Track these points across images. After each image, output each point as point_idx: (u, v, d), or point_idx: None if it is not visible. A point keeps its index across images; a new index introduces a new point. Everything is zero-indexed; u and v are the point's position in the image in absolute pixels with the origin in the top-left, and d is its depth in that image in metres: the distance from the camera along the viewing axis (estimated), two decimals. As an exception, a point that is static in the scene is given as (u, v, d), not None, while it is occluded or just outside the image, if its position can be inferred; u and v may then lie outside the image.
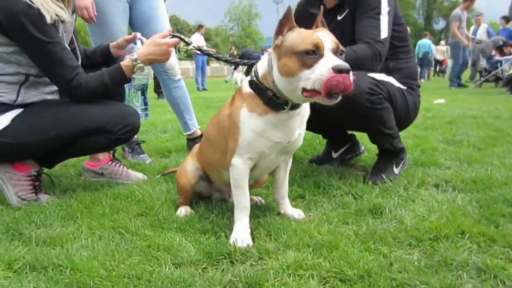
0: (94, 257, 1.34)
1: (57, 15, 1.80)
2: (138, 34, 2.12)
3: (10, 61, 1.81)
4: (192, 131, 3.05)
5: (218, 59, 2.18)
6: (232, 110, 1.51)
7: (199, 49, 2.10)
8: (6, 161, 1.94)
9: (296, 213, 1.70)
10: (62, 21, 1.88)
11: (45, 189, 2.07)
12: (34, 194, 1.97)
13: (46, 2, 1.77)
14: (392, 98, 2.01)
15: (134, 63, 1.90)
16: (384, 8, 1.98)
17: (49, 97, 1.98)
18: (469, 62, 10.91)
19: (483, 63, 10.46)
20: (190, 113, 3.05)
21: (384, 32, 1.96)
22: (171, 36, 1.97)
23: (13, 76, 1.83)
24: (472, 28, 11.69)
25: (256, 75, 1.47)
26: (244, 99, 1.49)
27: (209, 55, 2.18)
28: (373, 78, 1.93)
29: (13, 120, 1.84)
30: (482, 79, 10.31)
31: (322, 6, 1.54)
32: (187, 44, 2.04)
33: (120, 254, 1.36)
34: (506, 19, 11.18)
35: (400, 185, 2.00)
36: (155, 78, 9.12)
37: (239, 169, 1.51)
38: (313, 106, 1.64)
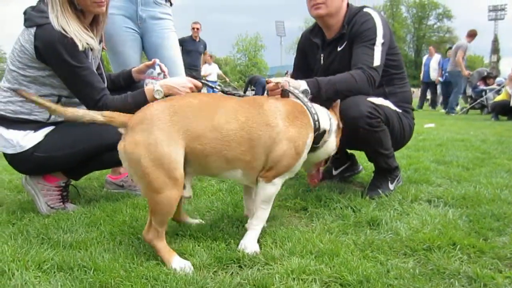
0: (115, 259, 1.34)
1: (87, 43, 1.85)
2: (157, 60, 2.16)
3: (45, 83, 1.85)
4: None
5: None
6: (296, 137, 1.46)
7: (222, 90, 2.10)
8: (38, 173, 1.96)
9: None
10: (92, 49, 1.93)
11: (71, 199, 2.08)
12: (61, 203, 1.98)
13: (79, 32, 1.81)
14: (389, 121, 2.02)
15: (155, 88, 1.89)
16: (379, 40, 2.00)
17: (78, 115, 2.01)
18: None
19: (469, 91, 10.48)
20: None
21: (377, 61, 1.98)
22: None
23: (47, 97, 1.87)
24: (425, 58, 11.69)
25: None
26: (308, 127, 1.52)
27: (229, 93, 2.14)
28: (372, 102, 1.94)
29: (46, 136, 1.87)
30: (468, 106, 10.30)
31: None
32: (212, 88, 2.08)
33: (139, 258, 1.36)
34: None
35: (395, 200, 1.99)
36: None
37: (277, 188, 1.50)
38: None
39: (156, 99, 1.91)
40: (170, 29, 2.75)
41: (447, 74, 10.60)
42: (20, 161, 1.88)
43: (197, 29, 8.38)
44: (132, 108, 1.94)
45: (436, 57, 11.28)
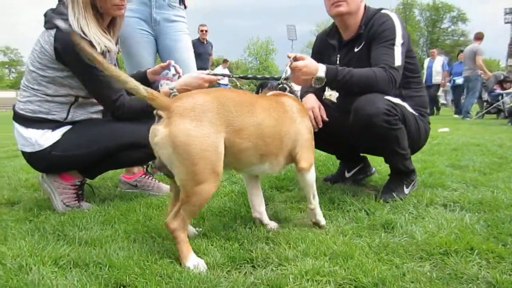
0: (130, 257, 1.35)
1: (105, 46, 1.87)
2: (172, 62, 2.18)
3: (63, 84, 1.89)
4: None
5: (252, 78, 2.16)
6: (310, 125, 1.72)
7: (241, 76, 2.11)
8: (55, 172, 1.99)
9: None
10: (109, 51, 1.95)
11: (86, 198, 2.11)
12: (77, 202, 2.00)
13: (97, 35, 1.84)
14: (406, 121, 2.00)
15: (171, 91, 1.92)
16: (398, 40, 1.98)
17: (94, 116, 2.04)
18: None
19: (485, 96, 10.31)
20: None
21: (398, 60, 1.96)
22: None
23: (65, 97, 1.90)
24: (427, 60, 11.50)
25: None
26: (307, 116, 1.72)
27: (246, 78, 2.18)
28: (390, 100, 1.92)
29: (63, 135, 1.90)
30: (484, 110, 10.13)
31: None
32: (229, 76, 2.07)
33: (153, 256, 1.37)
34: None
35: (410, 203, 1.96)
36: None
37: (315, 172, 1.68)
38: (331, 127, 1.65)
39: None
40: (183, 31, 2.77)
41: (455, 78, 10.48)
42: (38, 160, 1.92)
43: (205, 31, 8.44)
44: (148, 109, 1.95)
45: (439, 60, 11.11)
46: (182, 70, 2.17)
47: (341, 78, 1.88)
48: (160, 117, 1.34)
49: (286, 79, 1.88)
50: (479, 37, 9.34)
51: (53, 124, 1.90)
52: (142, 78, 2.27)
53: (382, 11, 2.09)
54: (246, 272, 1.27)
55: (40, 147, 1.87)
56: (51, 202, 1.99)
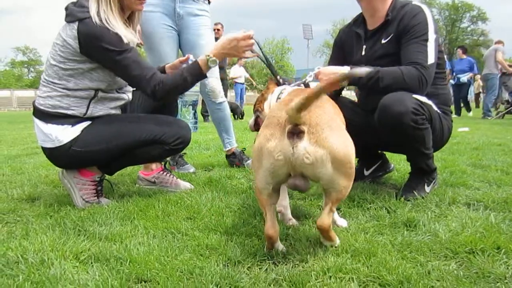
0: (150, 252, 1.36)
1: (127, 40, 1.88)
2: (191, 56, 2.18)
3: (84, 77, 1.90)
4: (227, 149, 3.04)
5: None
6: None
7: (266, 59, 2.04)
8: (75, 168, 2.02)
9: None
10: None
11: (105, 194, 2.13)
12: (96, 198, 2.03)
13: (121, 29, 1.86)
14: (432, 120, 1.95)
15: (208, 58, 1.90)
16: (431, 35, 1.92)
17: (113, 111, 2.05)
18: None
19: (505, 95, 10.08)
20: (229, 133, 3.03)
21: (431, 58, 1.90)
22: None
23: (84, 91, 1.92)
24: (456, 61, 11.33)
25: None
26: None
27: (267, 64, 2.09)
28: (417, 99, 1.87)
29: (83, 130, 1.93)
30: (505, 110, 9.89)
31: None
32: (259, 48, 2.02)
33: (173, 251, 1.37)
34: (464, 49, 10.82)
35: (432, 202, 1.92)
36: (203, 102, 9.38)
37: None
38: (353, 126, 1.62)
39: (209, 68, 1.93)
40: (206, 26, 2.77)
41: (459, 75, 10.35)
42: (58, 155, 1.95)
43: (218, 30, 8.47)
44: (188, 83, 1.95)
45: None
46: None
47: (366, 77, 1.87)
48: (296, 133, 1.24)
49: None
50: (499, 41, 9.58)
51: (73, 120, 1.92)
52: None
53: (414, 2, 2.03)
54: (267, 269, 1.26)
55: (60, 142, 1.90)
56: (71, 198, 2.01)
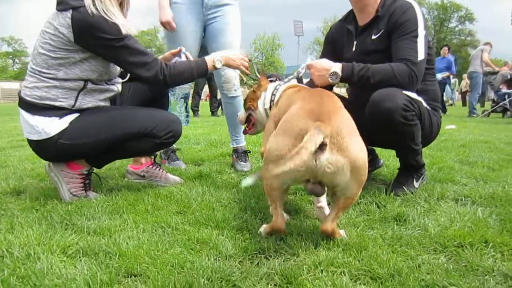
0: (139, 246, 1.34)
1: (126, 29, 1.85)
2: (183, 48, 2.17)
3: (74, 66, 1.85)
4: (232, 146, 2.95)
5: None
6: None
7: (253, 78, 2.20)
8: (62, 161, 1.98)
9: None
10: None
11: (93, 188, 2.09)
12: (84, 191, 1.99)
13: (119, 19, 1.83)
14: (421, 116, 1.96)
15: (215, 59, 2.08)
16: (421, 31, 1.93)
17: (102, 103, 2.01)
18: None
19: (491, 94, 10.26)
20: (236, 129, 2.92)
21: (421, 54, 1.91)
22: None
23: (74, 82, 1.86)
24: (437, 59, 11.52)
25: None
26: None
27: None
28: (407, 95, 1.88)
29: (71, 123, 1.88)
30: (491, 109, 10.07)
31: None
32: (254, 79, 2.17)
33: (163, 245, 1.36)
34: (448, 47, 10.99)
35: (421, 197, 1.94)
36: (193, 97, 9.27)
37: None
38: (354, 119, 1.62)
39: (215, 68, 2.11)
40: (233, 14, 2.70)
41: (438, 74, 10.57)
42: (45, 148, 1.90)
43: None
44: (193, 73, 2.05)
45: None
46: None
47: (357, 75, 1.88)
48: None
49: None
50: (487, 43, 9.89)
51: (61, 112, 1.88)
52: None
53: None
54: (258, 263, 1.25)
55: (47, 135, 1.85)
56: (58, 191, 1.97)
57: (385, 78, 1.87)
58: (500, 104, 9.50)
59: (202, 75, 2.14)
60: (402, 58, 1.91)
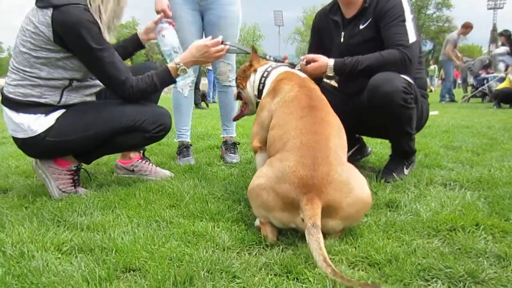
0: (135, 241, 1.33)
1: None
2: (163, 16, 2.15)
3: (58, 66, 1.79)
4: (222, 136, 2.91)
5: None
6: None
7: (247, 51, 2.06)
8: (50, 157, 1.93)
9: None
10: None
11: (82, 184, 2.06)
12: (73, 187, 1.95)
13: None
14: (417, 100, 1.98)
15: (178, 66, 1.93)
16: (408, 15, 1.95)
17: (88, 98, 1.97)
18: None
19: (470, 80, 10.47)
20: (228, 119, 2.85)
21: (412, 37, 1.93)
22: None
23: (58, 81, 1.81)
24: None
25: None
26: None
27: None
28: (405, 79, 1.90)
29: (58, 119, 1.83)
30: (470, 94, 10.29)
31: None
32: (245, 52, 2.07)
33: (159, 239, 1.34)
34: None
35: (410, 183, 1.97)
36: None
37: None
38: (337, 109, 1.62)
39: (178, 75, 1.96)
40: (231, 6, 2.62)
41: None
42: (31, 146, 1.85)
43: None
44: (157, 88, 1.96)
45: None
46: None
47: (349, 70, 1.90)
48: None
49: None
50: (466, 25, 9.58)
51: (46, 108, 1.82)
52: (134, 43, 2.22)
53: None
54: (256, 253, 1.26)
55: (34, 133, 1.79)
56: (47, 188, 1.93)
57: (377, 67, 1.89)
58: (479, 89, 9.72)
59: (168, 85, 2.06)
60: (394, 44, 1.92)
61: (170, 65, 1.95)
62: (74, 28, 1.69)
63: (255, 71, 1.90)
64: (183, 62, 1.93)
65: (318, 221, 1.15)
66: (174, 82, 2.00)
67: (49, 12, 1.70)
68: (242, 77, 1.96)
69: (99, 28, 1.75)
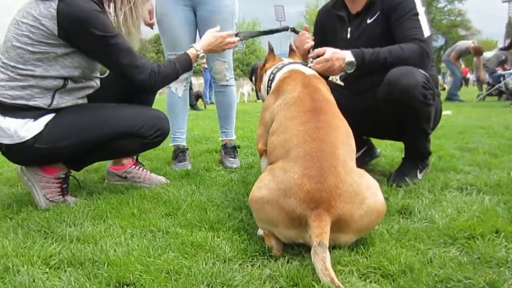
0: (129, 253, 1.32)
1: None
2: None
3: (55, 62, 1.77)
4: (221, 138, 2.91)
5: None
6: None
7: (265, 32, 2.33)
8: (38, 165, 1.91)
9: None
10: None
11: (71, 192, 2.05)
12: (61, 196, 1.94)
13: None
14: (435, 98, 1.98)
15: (198, 52, 2.07)
16: (420, 8, 1.96)
17: (81, 101, 1.93)
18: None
19: (485, 77, 10.47)
20: (227, 122, 2.86)
21: (427, 31, 1.94)
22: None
23: (53, 80, 1.79)
24: None
25: None
26: None
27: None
28: (424, 73, 1.90)
29: (47, 125, 1.80)
30: (485, 92, 10.28)
31: None
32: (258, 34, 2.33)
33: (155, 251, 1.33)
34: None
35: (424, 188, 1.97)
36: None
37: None
38: (345, 108, 1.61)
39: (196, 62, 2.13)
40: (224, 1, 2.60)
41: None
42: (18, 152, 1.82)
43: None
44: (179, 75, 2.08)
45: None
46: None
47: (368, 59, 1.87)
48: None
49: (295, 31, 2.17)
50: (477, 50, 9.94)
51: (35, 113, 1.79)
52: None
53: None
54: (260, 265, 1.25)
55: (21, 139, 1.76)
56: (33, 197, 1.92)
57: (397, 59, 1.88)
58: (496, 86, 9.71)
59: (186, 72, 2.14)
60: (409, 39, 1.93)
61: (191, 52, 2.07)
62: (83, 20, 1.69)
63: (266, 71, 1.91)
64: (203, 49, 2.09)
65: (325, 239, 1.13)
66: (192, 69, 2.15)
67: (54, 4, 1.69)
68: (259, 78, 1.99)
69: (106, 14, 1.78)
